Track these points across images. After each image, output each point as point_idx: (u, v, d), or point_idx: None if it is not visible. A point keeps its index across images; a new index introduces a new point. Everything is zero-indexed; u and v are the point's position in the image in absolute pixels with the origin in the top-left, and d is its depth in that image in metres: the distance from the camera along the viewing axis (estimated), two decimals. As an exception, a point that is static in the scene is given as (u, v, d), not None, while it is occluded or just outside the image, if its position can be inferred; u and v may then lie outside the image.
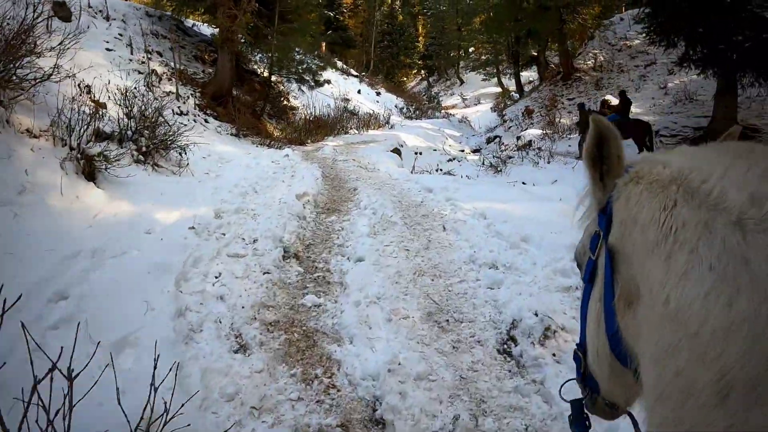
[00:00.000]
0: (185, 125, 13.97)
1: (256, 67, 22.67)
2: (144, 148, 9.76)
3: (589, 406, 1.54)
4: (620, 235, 1.16)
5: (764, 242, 0.83)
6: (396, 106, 35.77)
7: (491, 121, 35.28)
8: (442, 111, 40.24)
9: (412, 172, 16.51)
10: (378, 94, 36.96)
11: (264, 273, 6.13)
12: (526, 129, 26.65)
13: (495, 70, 46.51)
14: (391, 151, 19.26)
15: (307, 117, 23.44)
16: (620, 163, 1.22)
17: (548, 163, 16.51)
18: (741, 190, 0.91)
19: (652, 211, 1.04)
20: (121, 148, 9.09)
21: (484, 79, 51.34)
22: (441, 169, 19.90)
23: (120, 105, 10.64)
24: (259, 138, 16.57)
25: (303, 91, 22.94)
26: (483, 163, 18.18)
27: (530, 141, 22.39)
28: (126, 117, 10.27)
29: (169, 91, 15.85)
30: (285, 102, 24.45)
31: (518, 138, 24.20)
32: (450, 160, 21.34)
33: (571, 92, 28.23)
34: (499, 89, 46.25)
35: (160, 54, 17.94)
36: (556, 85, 29.86)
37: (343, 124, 24.94)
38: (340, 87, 32.10)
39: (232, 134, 16.05)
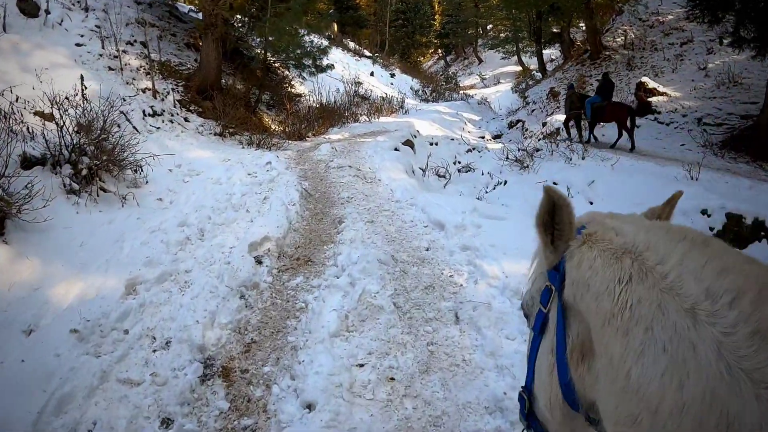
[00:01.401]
0: (155, 129, 11.68)
1: (260, 52, 19.96)
2: (85, 171, 7.72)
3: None
4: (573, 295, 1.22)
5: (712, 335, 0.91)
6: (411, 88, 32.71)
7: (512, 102, 32.37)
8: (460, 92, 37.13)
9: (423, 174, 14.03)
10: (392, 75, 33.97)
11: (162, 422, 3.59)
12: (552, 113, 23.92)
13: (515, 48, 43.05)
14: (403, 143, 16.61)
15: (312, 105, 20.85)
16: (572, 229, 1.27)
17: (582, 159, 13.84)
18: (698, 281, 0.97)
19: (606, 282, 1.11)
20: (55, 174, 7.40)
21: (503, 58, 47.73)
22: (459, 162, 17.49)
23: (62, 117, 8.11)
24: (249, 135, 13.93)
25: (305, 77, 20.37)
26: (507, 157, 15.60)
27: (559, 128, 19.78)
28: (67, 132, 8.05)
29: (145, 88, 13.29)
30: (290, 89, 21.85)
31: (544, 124, 21.51)
32: (469, 150, 18.80)
33: (600, 72, 25.25)
34: (519, 68, 42.82)
35: (144, 45, 15.39)
36: (583, 65, 26.79)
37: (352, 111, 22.32)
38: (351, 69, 29.31)
39: (215, 134, 13.43)
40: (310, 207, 8.63)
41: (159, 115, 12.58)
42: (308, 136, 16.71)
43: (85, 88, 10.73)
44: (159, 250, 6.34)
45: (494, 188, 14.13)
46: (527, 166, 14.20)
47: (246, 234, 6.73)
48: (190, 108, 14.22)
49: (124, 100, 11.74)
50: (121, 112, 11.05)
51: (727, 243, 1.10)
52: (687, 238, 1.08)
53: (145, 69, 13.84)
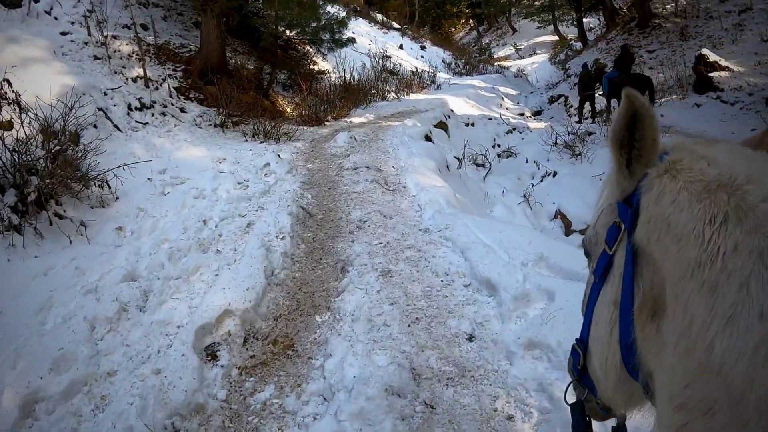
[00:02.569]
0: (141, 126, 9.66)
1: (270, 26, 17.27)
2: (33, 195, 5.97)
3: (580, 404, 1.38)
4: (647, 235, 0.94)
5: None
6: (443, 61, 29.66)
7: (550, 74, 29.27)
8: (495, 64, 33.89)
9: (459, 165, 11.41)
10: (423, 48, 30.89)
11: None
12: (599, 88, 20.94)
13: (550, 17, 39.42)
14: (436, 125, 14.02)
15: (335, 83, 18.23)
16: (655, 149, 0.98)
17: None
18: None
19: (694, 221, 0.84)
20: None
21: (538, 27, 43.81)
22: (498, 145, 14.93)
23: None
24: (255, 124, 11.42)
25: (324, 53, 17.75)
26: (555, 142, 13.00)
27: (610, 107, 17.02)
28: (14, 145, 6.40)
29: (136, 77, 11.09)
30: (312, 66, 19.23)
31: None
32: (509, 131, 16.22)
33: (650, 42, 21.97)
34: (555, 38, 39.34)
35: (145, 27, 13.08)
36: (630, 34, 23.58)
37: (379, 87, 19.63)
38: (378, 43, 26.43)
39: (215, 125, 11.09)
40: (308, 236, 6.18)
41: (148, 107, 10.35)
42: (327, 120, 14.18)
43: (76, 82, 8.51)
44: (79, 333, 4.07)
45: (541, 180, 11.61)
46: (579, 154, 11.81)
47: (202, 304, 4.34)
48: (190, 95, 11.88)
49: (105, 95, 9.70)
50: (99, 109, 9.00)
51: None
52: None
53: (139, 54, 11.44)
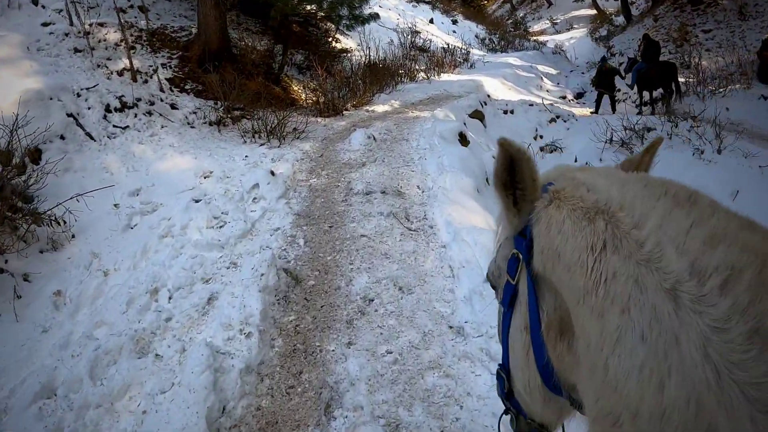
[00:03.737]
0: (121, 131, 7.93)
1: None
2: None
3: (513, 425, 1.31)
4: (543, 265, 0.96)
5: (698, 327, 0.67)
6: (476, 37, 26.91)
7: (590, 51, 26.37)
8: (531, 39, 31.05)
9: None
10: (454, 22, 28.02)
11: None
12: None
13: (589, -12, 36.09)
14: (471, 115, 11.80)
15: (358, 62, 15.91)
16: (536, 187, 0.99)
17: (718, 152, 8.86)
18: (681, 254, 0.74)
19: (578, 250, 0.86)
20: None
21: (575, 0, 40.89)
22: (541, 136, 12.80)
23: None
24: (258, 119, 9.11)
25: (343, 30, 15.42)
26: (611, 139, 10.84)
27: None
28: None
29: (122, 69, 9.20)
30: (334, 44, 16.93)
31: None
32: (553, 120, 13.90)
33: (705, 21, 19.02)
34: (594, 11, 36.05)
35: (142, 9, 11.07)
36: (682, 11, 20.62)
37: (407, 67, 17.26)
38: (407, 17, 23.73)
39: (211, 122, 9.02)
40: (289, 323, 4.07)
41: (131, 107, 8.42)
42: (346, 109, 11.98)
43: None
44: None
45: None
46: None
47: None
48: (185, 87, 9.89)
49: (78, 96, 7.90)
50: (69, 115, 7.26)
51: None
52: (669, 194, 0.84)
53: (130, 41, 9.45)
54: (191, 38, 10.95)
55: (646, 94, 14.89)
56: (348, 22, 13.19)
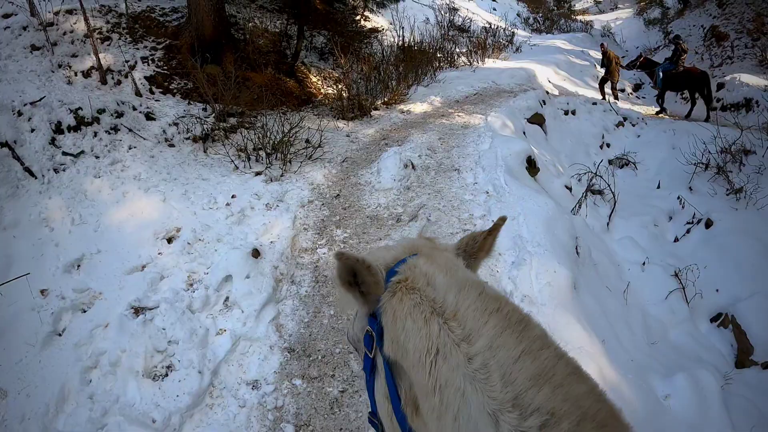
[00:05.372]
0: (72, 160, 5.53)
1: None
2: None
3: None
4: (393, 354, 0.99)
5: None
6: (518, 15, 23.57)
7: (639, 33, 22.93)
8: (577, 19, 27.46)
9: (576, 207, 6.57)
10: None
11: None
12: (721, 64, 15.00)
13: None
14: (530, 120, 9.07)
15: (390, 45, 13.00)
16: (378, 285, 1.03)
17: None
18: (506, 383, 0.75)
19: (418, 352, 0.90)
20: None
21: (621, -23, 36.71)
22: (608, 145, 10.35)
23: None
24: (265, 124, 6.34)
25: (372, 9, 12.44)
26: (706, 166, 8.11)
27: (749, 99, 11.59)
28: None
29: (91, 68, 6.67)
30: (363, 22, 14.02)
31: (719, 86, 13.04)
32: (620, 123, 11.10)
33: None
34: (640, -11, 32.21)
35: None
36: (756, -3, 17.07)
37: (446, 50, 14.30)
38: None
39: (196, 138, 6.30)
40: None
41: (89, 123, 5.86)
42: (376, 108, 9.22)
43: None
44: None
45: (688, 232, 7.19)
46: (741, 190, 7.20)
47: None
48: (170, 86, 7.28)
49: (20, 115, 5.51)
50: (3, 144, 5.11)
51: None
52: (501, 312, 0.87)
53: (92, 33, 6.80)
54: (182, 22, 8.23)
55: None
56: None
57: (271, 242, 4.28)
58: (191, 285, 3.95)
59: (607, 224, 7.36)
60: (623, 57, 20.04)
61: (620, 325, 4.96)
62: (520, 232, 4.37)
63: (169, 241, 4.51)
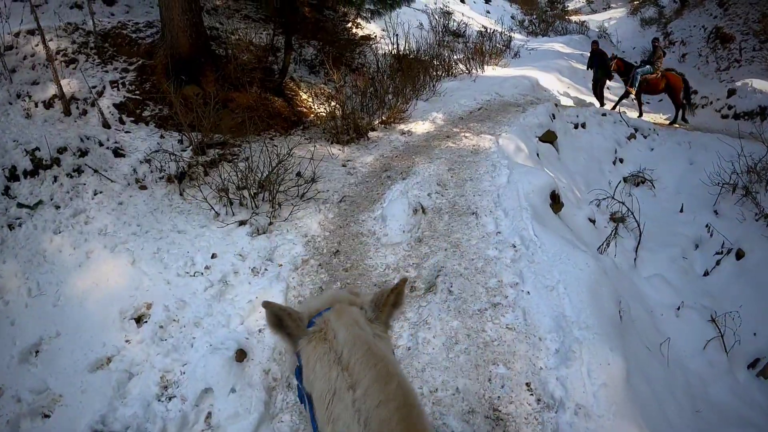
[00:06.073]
0: (29, 212, 4.74)
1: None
2: None
3: None
4: (309, 388, 1.21)
5: None
6: (512, 18, 22.73)
7: (634, 33, 22.23)
8: (572, 20, 26.58)
9: (604, 246, 5.97)
10: (487, 1, 23.68)
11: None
12: (727, 68, 14.26)
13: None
14: (542, 138, 8.36)
15: (383, 54, 12.16)
16: (300, 328, 1.26)
17: None
18: (366, 424, 0.99)
19: (323, 392, 1.11)
20: None
21: (613, -23, 35.94)
22: (621, 160, 9.65)
23: None
24: (252, 147, 5.45)
25: (366, 17, 11.52)
26: (734, 187, 7.36)
27: (765, 107, 11.35)
28: None
29: (53, 97, 5.82)
30: (354, 29, 13.16)
31: (729, 92, 12.36)
32: (632, 135, 10.39)
33: None
34: (632, -11, 31.48)
35: (110, 1, 7.62)
36: (761, -3, 16.34)
37: (443, 58, 13.48)
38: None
39: (170, 177, 5.39)
40: None
41: (48, 165, 5.05)
42: (373, 128, 8.39)
43: None
44: None
45: (717, 264, 6.51)
46: None
47: None
48: (143, 113, 6.39)
49: None
50: None
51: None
52: (376, 367, 1.07)
53: (52, 58, 5.95)
54: (156, 39, 7.34)
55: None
56: (374, 7, 9.32)
57: (260, 330, 3.45)
58: (165, 389, 3.15)
59: (634, 259, 6.61)
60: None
61: (665, 394, 4.22)
62: (562, 308, 3.56)
63: (138, 321, 3.68)
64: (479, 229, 4.64)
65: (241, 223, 4.77)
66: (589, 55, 12.98)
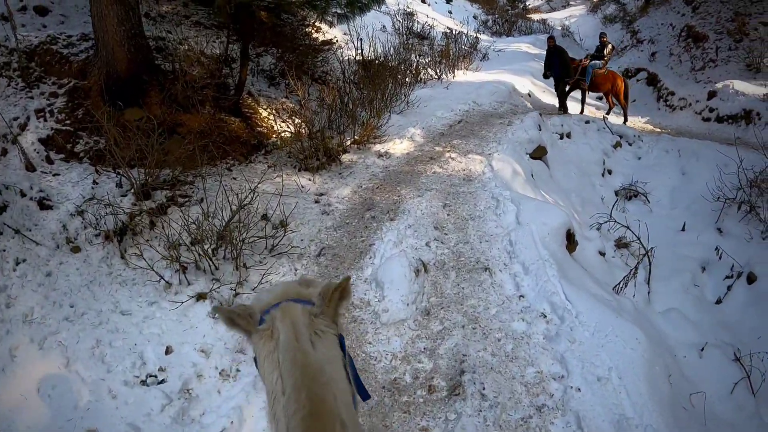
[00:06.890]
0: None
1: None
2: None
3: None
4: (262, 381, 1.20)
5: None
6: (475, 17, 22.06)
7: (595, 31, 21.90)
8: (535, 20, 25.96)
9: (622, 284, 5.20)
10: (448, 1, 23.02)
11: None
12: (702, 68, 13.86)
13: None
14: (532, 155, 7.72)
15: (348, 61, 11.19)
16: (251, 326, 1.21)
17: None
18: (287, 425, 1.01)
19: (269, 388, 1.12)
20: None
21: (570, -26, 35.73)
22: (609, 171, 9.15)
23: None
24: (206, 183, 4.69)
25: (329, 21, 10.32)
26: (740, 204, 6.75)
27: (749, 111, 10.79)
28: None
29: None
30: (314, 34, 12.13)
31: (710, 94, 11.95)
32: (617, 144, 9.80)
33: (762, 11, 14.52)
34: (591, -13, 31.27)
35: (42, 11, 6.44)
36: (732, -5, 15.98)
37: (410, 63, 12.60)
38: (400, -2, 18.73)
39: (108, 234, 4.26)
40: None
41: None
42: (345, 150, 7.45)
43: None
44: None
45: (729, 289, 6.11)
46: None
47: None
48: (75, 148, 5.30)
49: None
50: None
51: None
52: (292, 377, 1.07)
53: None
54: (91, 55, 6.20)
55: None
56: (342, 11, 8.32)
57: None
58: None
59: (648, 293, 5.92)
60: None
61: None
62: (622, 408, 2.77)
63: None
64: (496, 292, 3.79)
65: (200, 297, 3.77)
66: (545, 53, 11.16)
